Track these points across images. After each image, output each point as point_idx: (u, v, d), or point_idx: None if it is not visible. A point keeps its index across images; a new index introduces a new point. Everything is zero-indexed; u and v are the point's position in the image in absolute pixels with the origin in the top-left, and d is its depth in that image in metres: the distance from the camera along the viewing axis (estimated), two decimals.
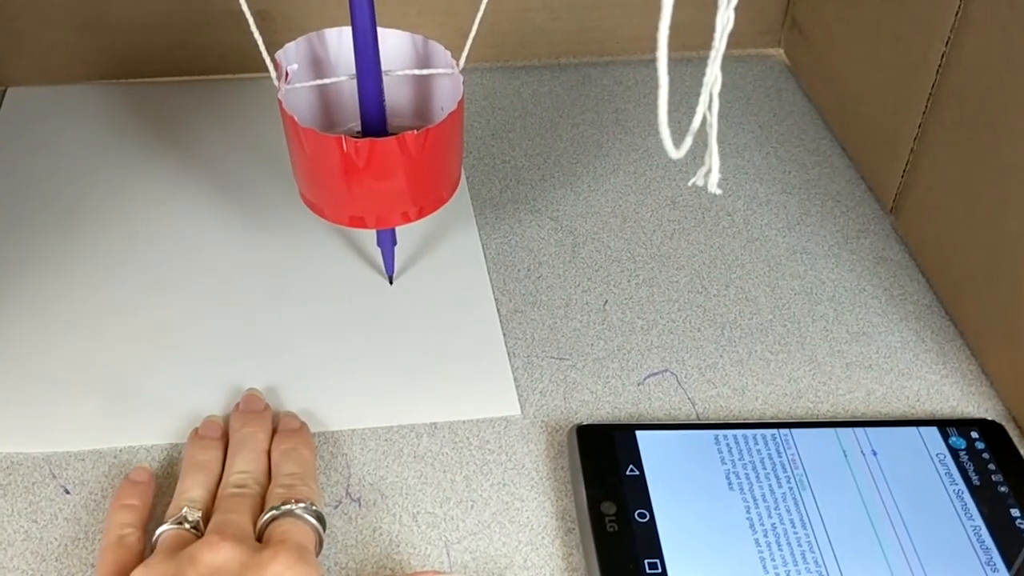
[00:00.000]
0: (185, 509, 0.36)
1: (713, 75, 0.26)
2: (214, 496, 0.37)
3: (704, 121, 0.27)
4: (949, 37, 0.46)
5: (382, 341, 0.45)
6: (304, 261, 0.49)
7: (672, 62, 0.26)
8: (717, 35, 0.25)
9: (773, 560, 0.36)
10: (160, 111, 0.58)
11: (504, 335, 0.45)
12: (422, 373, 0.44)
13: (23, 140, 0.55)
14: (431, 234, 0.50)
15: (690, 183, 0.29)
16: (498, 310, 0.47)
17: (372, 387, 0.43)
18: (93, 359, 0.44)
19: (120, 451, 0.40)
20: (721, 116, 0.60)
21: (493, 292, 0.48)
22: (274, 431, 0.40)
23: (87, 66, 0.59)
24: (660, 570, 0.35)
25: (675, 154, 0.26)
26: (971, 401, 0.44)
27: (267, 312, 0.46)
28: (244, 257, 0.49)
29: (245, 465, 0.38)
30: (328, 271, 0.48)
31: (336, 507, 0.39)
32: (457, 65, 0.41)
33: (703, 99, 0.26)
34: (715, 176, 0.28)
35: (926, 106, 0.48)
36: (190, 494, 0.36)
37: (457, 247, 0.50)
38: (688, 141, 0.26)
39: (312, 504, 0.36)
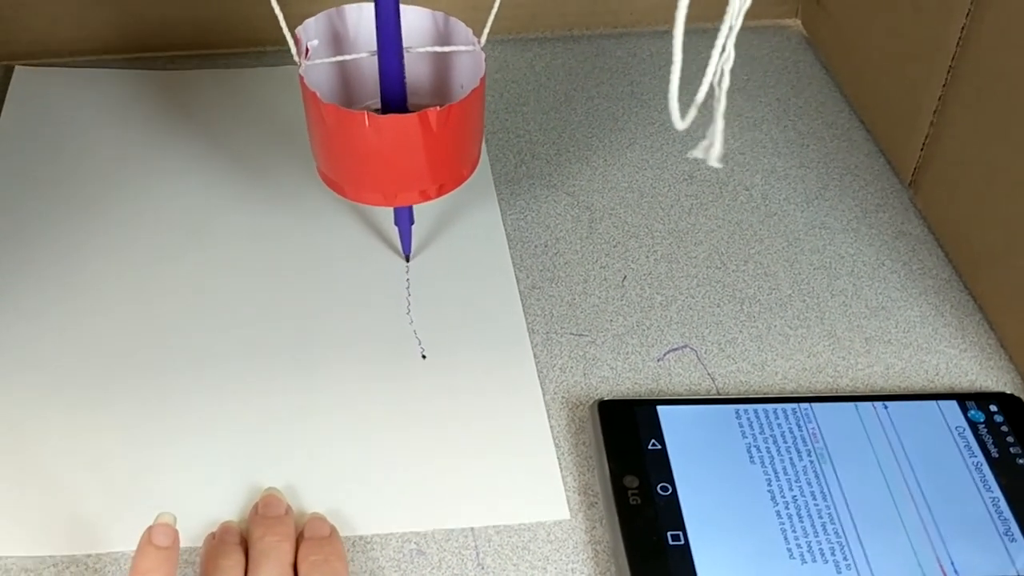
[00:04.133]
0: None
1: (726, 51, 0.26)
2: None
3: (711, 94, 0.27)
4: (969, 10, 0.46)
5: (413, 431, 0.41)
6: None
7: (689, 33, 0.26)
8: (732, 14, 0.25)
9: (794, 531, 0.37)
10: (168, 87, 0.57)
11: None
12: (459, 452, 0.40)
13: (29, 122, 0.54)
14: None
15: (689, 155, 0.29)
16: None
17: (401, 474, 0.39)
18: (90, 447, 0.39)
19: (123, 556, 0.36)
20: (738, 88, 0.60)
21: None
22: (299, 536, 0.36)
23: (92, 41, 0.59)
24: (683, 542, 0.36)
25: (681, 125, 0.26)
26: (990, 375, 0.44)
27: (277, 374, 0.42)
28: (253, 287, 0.46)
29: None
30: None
31: None
32: (479, 42, 0.41)
33: (710, 71, 0.26)
34: (717, 150, 0.28)
35: (946, 79, 0.48)
36: None
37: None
38: (692, 112, 0.26)
39: None
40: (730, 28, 0.26)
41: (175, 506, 0.35)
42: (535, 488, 0.39)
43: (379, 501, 0.38)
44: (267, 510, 0.36)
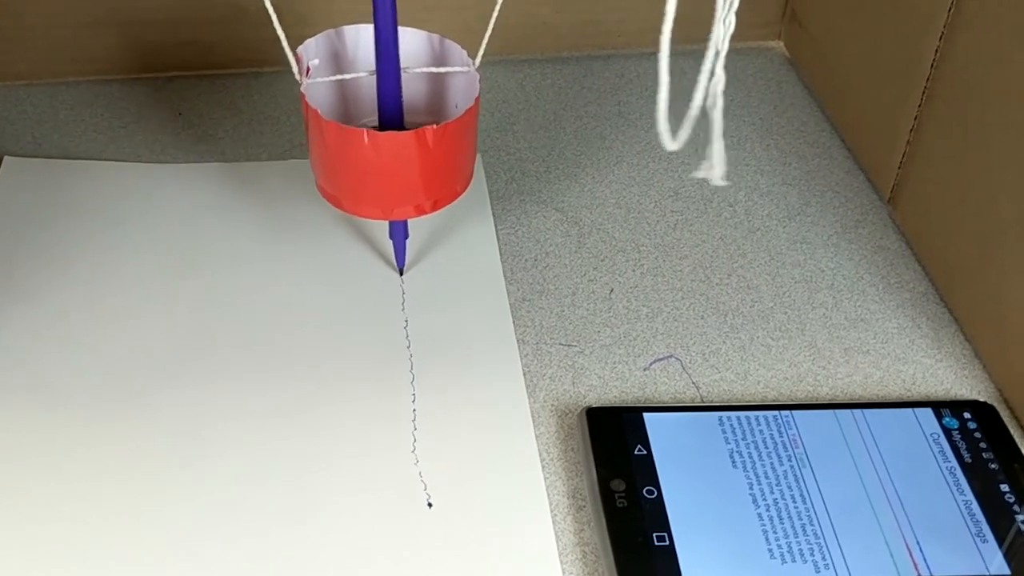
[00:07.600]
0: None
1: (715, 75, 0.27)
2: None
3: (706, 115, 0.28)
4: (943, 33, 0.48)
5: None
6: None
7: (675, 55, 0.27)
8: (718, 39, 0.27)
9: (775, 533, 0.38)
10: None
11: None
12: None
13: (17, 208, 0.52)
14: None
15: (692, 175, 0.30)
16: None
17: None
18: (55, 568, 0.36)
19: None
20: (723, 109, 0.61)
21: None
22: None
23: (93, 62, 0.60)
24: (668, 543, 0.37)
25: (672, 145, 0.28)
26: (964, 383, 0.45)
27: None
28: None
29: None
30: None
31: None
32: (473, 63, 0.42)
33: (698, 95, 0.28)
34: (718, 170, 0.29)
35: (921, 99, 0.50)
36: None
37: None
38: (684, 133, 0.27)
39: None
40: (716, 52, 0.28)
41: None
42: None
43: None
44: None
